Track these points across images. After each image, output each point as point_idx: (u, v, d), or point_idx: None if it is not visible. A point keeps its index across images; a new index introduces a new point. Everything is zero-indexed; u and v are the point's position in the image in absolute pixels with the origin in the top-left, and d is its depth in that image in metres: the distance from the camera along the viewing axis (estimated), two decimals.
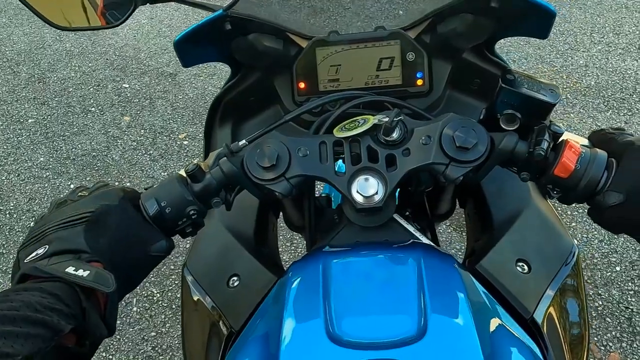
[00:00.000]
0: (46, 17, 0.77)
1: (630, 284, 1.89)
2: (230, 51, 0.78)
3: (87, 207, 0.56)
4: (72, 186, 2.50)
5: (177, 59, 0.74)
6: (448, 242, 2.03)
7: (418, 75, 0.77)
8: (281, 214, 0.95)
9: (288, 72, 0.79)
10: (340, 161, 0.62)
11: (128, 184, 2.48)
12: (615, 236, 2.04)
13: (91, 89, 3.16)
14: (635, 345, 1.71)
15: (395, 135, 0.61)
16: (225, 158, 0.61)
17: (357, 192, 0.60)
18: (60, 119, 2.94)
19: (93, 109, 3.01)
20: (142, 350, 1.85)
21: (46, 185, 2.53)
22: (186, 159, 2.61)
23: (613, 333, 1.73)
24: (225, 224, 0.78)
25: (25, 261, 0.53)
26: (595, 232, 2.06)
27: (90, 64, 3.37)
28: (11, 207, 2.43)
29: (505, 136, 0.58)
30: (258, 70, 0.82)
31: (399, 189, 0.67)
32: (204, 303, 0.72)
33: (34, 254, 0.53)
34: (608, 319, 1.77)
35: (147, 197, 0.59)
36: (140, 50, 3.49)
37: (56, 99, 3.10)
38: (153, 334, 1.90)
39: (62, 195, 0.62)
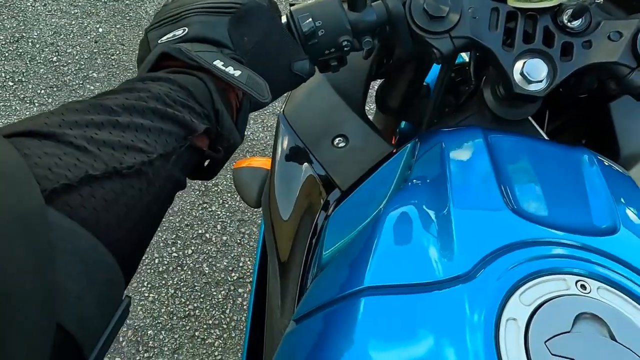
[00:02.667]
0: None
1: None
2: None
3: None
4: (100, 30, 2.37)
5: None
6: None
7: None
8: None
9: None
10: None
11: None
12: None
13: None
14: None
15: (578, 22, 0.55)
16: None
17: (522, 73, 0.55)
18: None
19: None
20: None
21: (73, 22, 2.40)
22: None
23: None
24: (332, 83, 0.72)
25: (159, 42, 0.46)
26: None
27: None
28: (34, 37, 2.31)
29: None
30: None
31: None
32: (302, 156, 0.69)
33: (170, 35, 0.46)
34: None
35: (300, 12, 0.52)
36: None
37: None
38: None
39: None
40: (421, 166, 0.52)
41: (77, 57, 2.25)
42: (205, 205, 1.88)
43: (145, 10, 2.50)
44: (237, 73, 0.44)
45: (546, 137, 0.64)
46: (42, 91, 2.13)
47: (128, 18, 2.45)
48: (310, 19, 0.51)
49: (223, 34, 0.47)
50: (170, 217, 1.83)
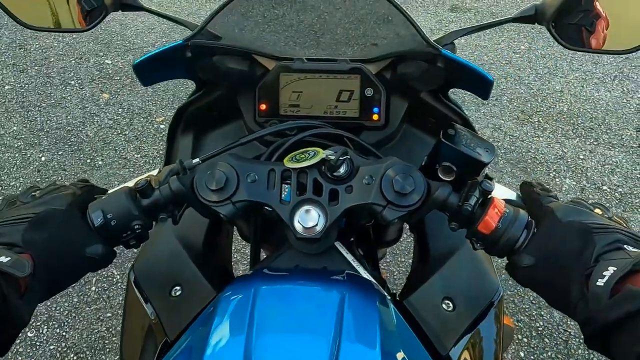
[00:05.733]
0: (15, 14, 0.79)
1: None
2: (194, 70, 0.80)
3: (33, 210, 0.59)
4: (43, 159, 2.50)
5: (138, 62, 0.72)
6: (404, 270, 2.06)
7: (374, 110, 0.80)
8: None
9: (252, 91, 0.81)
10: (289, 187, 0.66)
11: (100, 163, 2.48)
12: None
13: (72, 62, 3.14)
14: None
15: (342, 171, 0.64)
16: (175, 177, 0.64)
17: (299, 222, 0.64)
18: (38, 89, 2.92)
19: (72, 82, 2.99)
20: (96, 330, 1.88)
21: (17, 155, 2.52)
22: (161, 142, 2.62)
23: (549, 353, 1.82)
24: (176, 232, 0.81)
25: None
26: None
27: (74, 35, 3.34)
28: None
29: (439, 187, 0.62)
30: (222, 87, 0.84)
31: (344, 218, 0.71)
32: (145, 308, 0.75)
33: None
34: (546, 340, 1.85)
35: (94, 208, 0.62)
36: (127, 27, 3.47)
37: (36, 67, 3.07)
38: (109, 315, 1.92)
39: (14, 193, 0.65)
40: (204, 320, 0.60)
41: (20, 189, 2.35)
42: None
43: (85, 133, 2.65)
44: (6, 259, 0.53)
45: (353, 261, 0.73)
46: None
47: (70, 144, 2.59)
48: (101, 213, 0.61)
49: (15, 238, 0.57)
50: (114, 339, 1.86)
